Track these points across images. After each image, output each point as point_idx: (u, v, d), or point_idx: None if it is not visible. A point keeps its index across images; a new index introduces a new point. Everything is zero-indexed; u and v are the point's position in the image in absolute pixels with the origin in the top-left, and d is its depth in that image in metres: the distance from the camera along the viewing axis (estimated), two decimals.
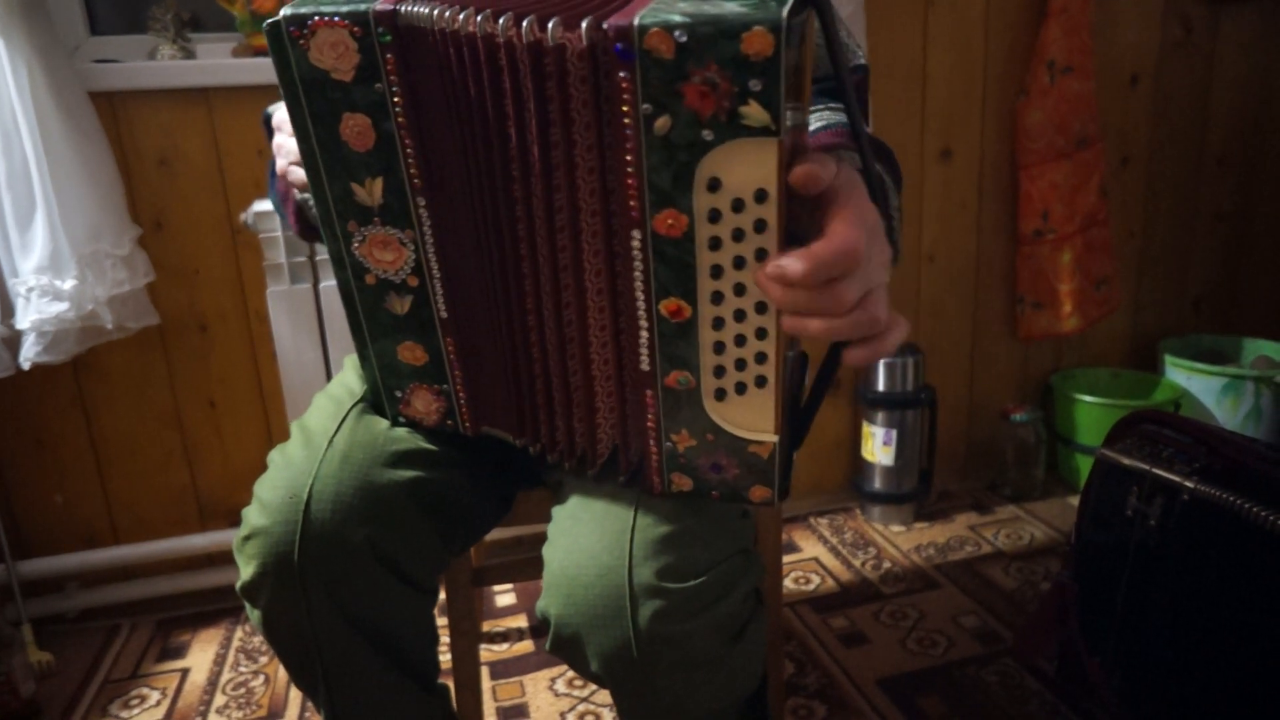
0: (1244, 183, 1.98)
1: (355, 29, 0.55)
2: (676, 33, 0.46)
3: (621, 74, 0.48)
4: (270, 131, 0.75)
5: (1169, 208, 1.95)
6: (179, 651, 1.45)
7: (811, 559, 1.65)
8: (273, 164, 0.76)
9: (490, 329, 0.64)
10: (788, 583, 1.57)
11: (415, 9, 0.54)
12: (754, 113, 0.47)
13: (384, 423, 0.72)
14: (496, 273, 0.61)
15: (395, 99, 0.57)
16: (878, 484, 1.76)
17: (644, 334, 0.56)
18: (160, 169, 1.42)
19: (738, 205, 0.49)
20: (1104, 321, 1.92)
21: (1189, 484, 1.00)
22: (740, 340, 0.54)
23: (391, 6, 0.55)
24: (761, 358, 0.54)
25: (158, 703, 1.32)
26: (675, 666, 0.61)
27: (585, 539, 0.63)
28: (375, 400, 0.72)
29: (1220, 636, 0.98)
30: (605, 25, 0.48)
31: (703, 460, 0.60)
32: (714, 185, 0.49)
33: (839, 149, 0.61)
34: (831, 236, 0.47)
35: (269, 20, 0.57)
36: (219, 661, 1.42)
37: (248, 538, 0.68)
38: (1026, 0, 1.71)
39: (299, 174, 0.68)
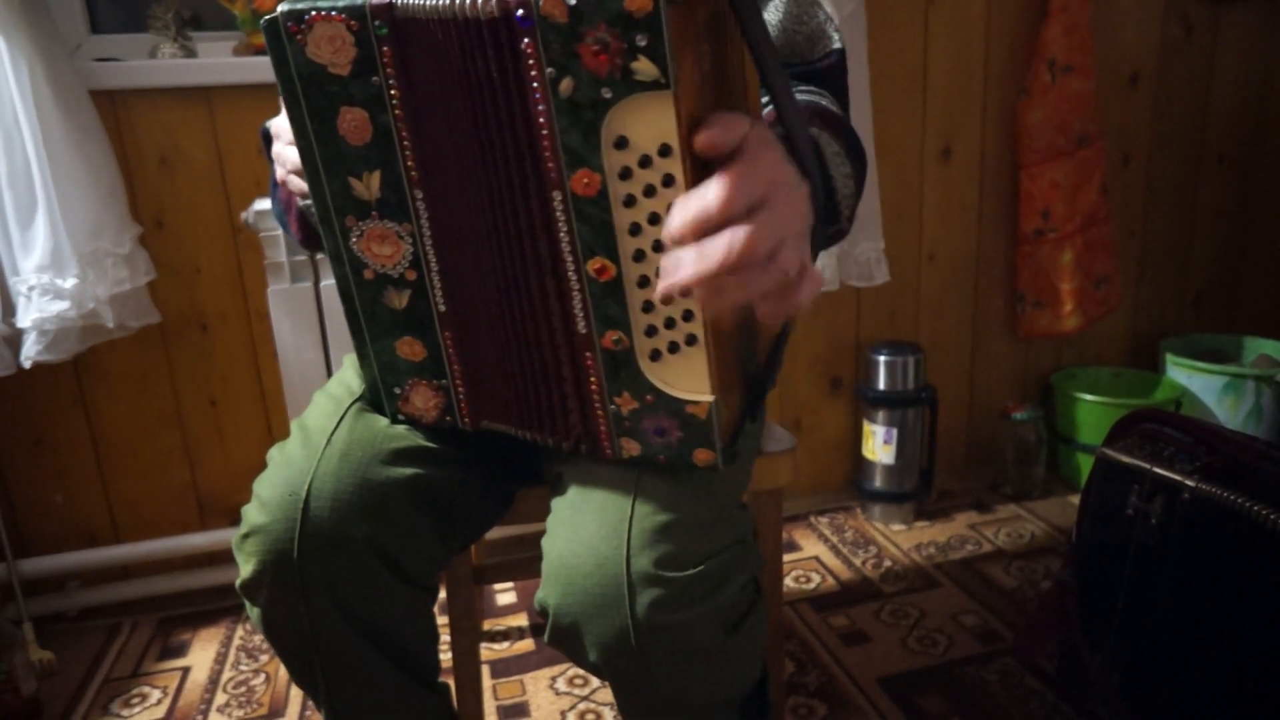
0: (1244, 181, 1.98)
1: (352, 23, 0.56)
2: None
3: (525, 40, 0.51)
4: (269, 145, 0.75)
5: (1169, 206, 1.95)
6: (180, 650, 1.45)
7: (812, 558, 1.65)
8: (274, 174, 0.76)
9: (488, 321, 0.64)
10: (788, 581, 1.57)
11: (412, 1, 0.55)
12: (644, 68, 0.48)
13: (383, 421, 0.72)
14: (490, 262, 0.62)
15: (392, 91, 0.57)
16: (878, 483, 1.76)
17: (576, 295, 0.58)
18: (161, 168, 1.42)
19: (644, 161, 0.51)
20: (1104, 320, 1.92)
21: (1190, 483, 1.00)
22: (667, 299, 0.55)
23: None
24: (689, 315, 0.55)
25: (159, 701, 1.32)
26: (673, 656, 0.61)
27: (584, 529, 0.63)
28: (374, 398, 0.72)
29: (1221, 635, 0.98)
30: None
31: (646, 423, 0.61)
32: (621, 143, 0.51)
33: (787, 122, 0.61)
34: (707, 183, 0.48)
35: (266, 17, 0.57)
36: (220, 660, 1.42)
37: (247, 535, 0.68)
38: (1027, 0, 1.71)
39: (299, 183, 0.68)
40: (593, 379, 0.60)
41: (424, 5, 0.54)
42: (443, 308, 0.65)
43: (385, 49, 0.56)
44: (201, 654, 1.44)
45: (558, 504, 0.69)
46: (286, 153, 0.69)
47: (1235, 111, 1.92)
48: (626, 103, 0.50)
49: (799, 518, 1.82)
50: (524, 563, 1.08)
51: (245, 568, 0.69)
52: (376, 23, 0.55)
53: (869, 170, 1.54)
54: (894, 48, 1.66)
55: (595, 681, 1.31)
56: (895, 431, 1.71)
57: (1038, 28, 1.71)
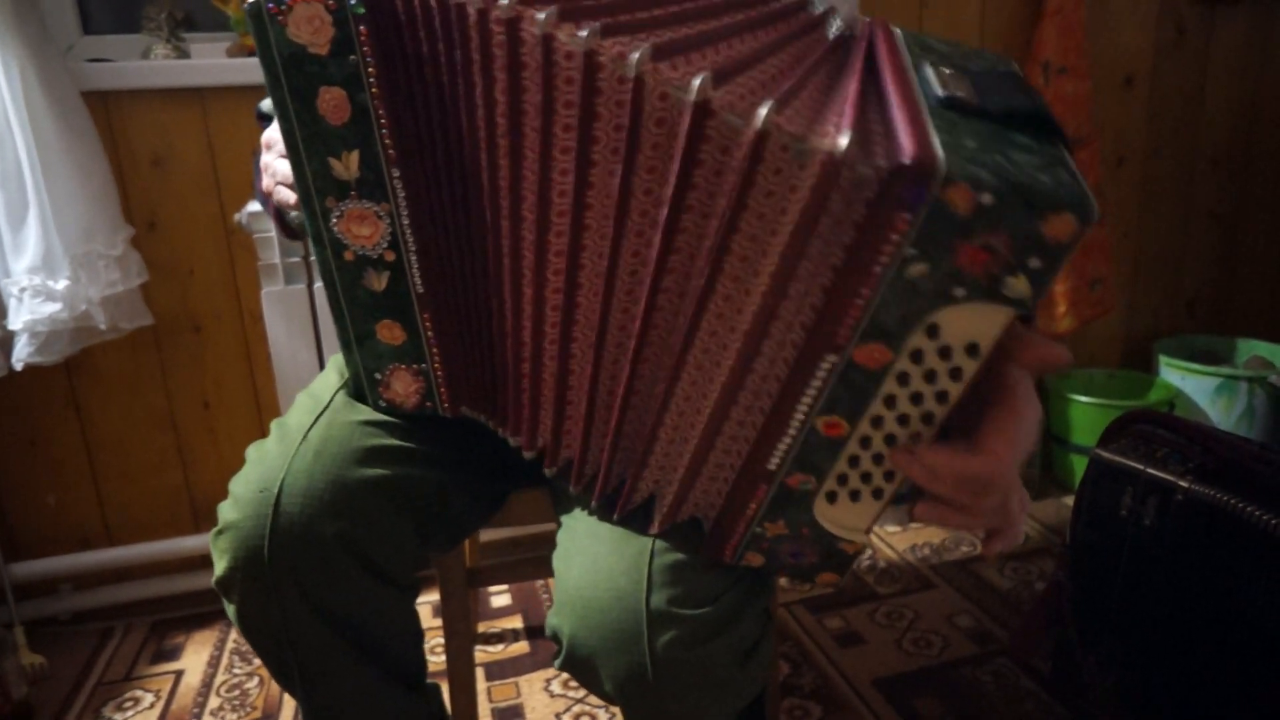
0: (1238, 183, 1.99)
1: (330, 2, 0.56)
2: (983, 195, 0.41)
3: (902, 215, 0.42)
4: (261, 120, 0.75)
5: (1163, 208, 1.95)
6: (173, 653, 1.45)
7: None
8: (257, 157, 0.76)
9: (472, 307, 0.65)
10: (782, 583, 1.57)
11: None
12: (1020, 286, 0.43)
13: (360, 419, 0.72)
14: (479, 253, 0.62)
15: (369, 70, 0.58)
16: None
17: (786, 440, 0.54)
18: (154, 169, 1.41)
19: (945, 352, 0.47)
20: (1098, 322, 1.93)
21: (1183, 484, 1.00)
22: (878, 459, 0.53)
23: None
24: (890, 476, 0.54)
25: (151, 705, 1.32)
26: (689, 688, 0.61)
27: (604, 559, 0.63)
28: (356, 386, 0.72)
29: (1215, 636, 0.98)
30: (906, 160, 0.41)
31: (786, 547, 0.60)
32: (933, 331, 0.46)
33: None
34: (983, 455, 0.48)
35: (249, 1, 0.57)
36: (213, 663, 1.41)
37: (220, 532, 0.68)
38: (1021, 1, 1.71)
39: (286, 195, 0.69)
40: (753, 505, 0.58)
41: None
42: (421, 289, 0.65)
43: (362, 28, 0.56)
44: (195, 657, 1.43)
45: (571, 524, 0.68)
46: (276, 165, 0.69)
47: (1229, 114, 1.93)
48: (972, 305, 0.45)
49: None
50: (518, 565, 1.08)
51: (219, 564, 0.69)
52: (353, 1, 0.56)
53: None
54: None
55: None
56: None
57: (1032, 29, 1.71)
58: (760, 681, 0.68)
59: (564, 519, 0.70)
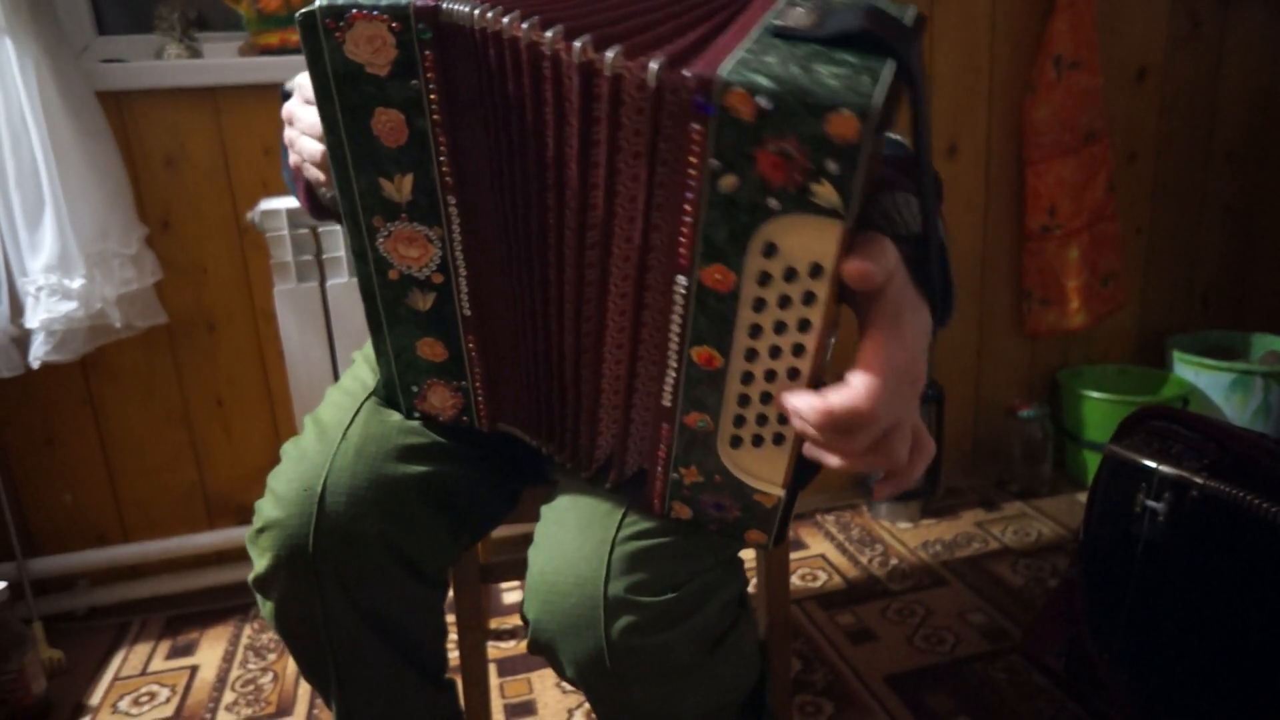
0: (1252, 177, 1.97)
1: (394, 24, 0.55)
2: (760, 98, 0.45)
3: (694, 125, 0.47)
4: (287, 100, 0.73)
5: (1176, 203, 1.94)
6: (188, 649, 1.46)
7: (818, 556, 1.65)
8: (284, 136, 0.74)
9: (513, 329, 0.64)
10: (795, 580, 1.57)
11: (458, 7, 0.54)
12: (826, 193, 0.46)
13: (397, 416, 0.72)
14: (523, 274, 0.61)
15: (431, 96, 0.57)
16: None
17: (671, 373, 0.56)
18: (167, 168, 1.42)
19: (790, 274, 0.49)
20: (1111, 317, 1.92)
21: (1198, 480, 1.00)
22: (766, 398, 0.54)
23: (433, 3, 0.54)
24: (784, 418, 0.54)
25: (167, 700, 1.33)
26: (648, 677, 0.61)
27: (567, 546, 0.63)
28: (389, 393, 0.72)
29: (1229, 632, 0.98)
30: (687, 72, 0.46)
31: (706, 496, 0.60)
32: (770, 251, 0.49)
33: (894, 190, 0.59)
34: (850, 391, 0.48)
35: (303, 10, 0.56)
36: (228, 658, 1.42)
37: (261, 530, 0.68)
38: None
39: (311, 145, 0.67)
40: (663, 447, 0.60)
41: (472, 14, 0.53)
42: (468, 313, 0.65)
43: (427, 53, 0.55)
44: (209, 653, 1.44)
45: (546, 514, 0.69)
46: (300, 111, 0.67)
47: (1243, 107, 1.92)
48: (792, 218, 0.47)
49: (805, 516, 1.81)
50: None
51: (260, 562, 0.69)
52: (420, 26, 0.55)
53: None
54: None
55: None
56: None
57: (1044, 24, 1.70)
58: (745, 677, 0.68)
59: (542, 509, 0.70)
